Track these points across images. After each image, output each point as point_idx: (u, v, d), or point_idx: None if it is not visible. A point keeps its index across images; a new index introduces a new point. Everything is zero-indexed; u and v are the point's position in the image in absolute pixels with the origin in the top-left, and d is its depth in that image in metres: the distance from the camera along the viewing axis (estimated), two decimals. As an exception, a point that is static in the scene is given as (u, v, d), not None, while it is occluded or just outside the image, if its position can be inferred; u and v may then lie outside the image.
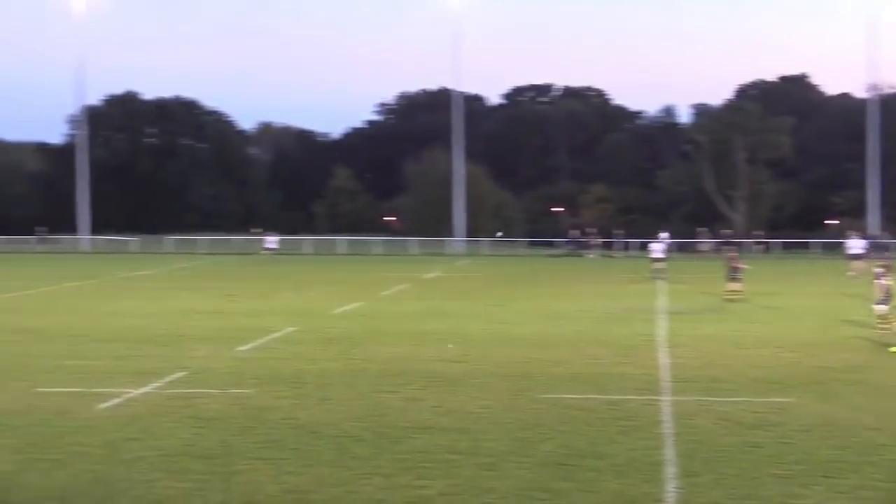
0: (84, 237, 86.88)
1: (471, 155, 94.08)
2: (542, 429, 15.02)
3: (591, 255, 70.46)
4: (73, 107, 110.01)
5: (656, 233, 63.09)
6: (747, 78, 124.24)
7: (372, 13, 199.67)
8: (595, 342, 24.55)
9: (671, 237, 65.11)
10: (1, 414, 16.02)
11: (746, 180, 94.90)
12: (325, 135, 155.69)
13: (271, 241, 68.08)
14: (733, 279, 35.63)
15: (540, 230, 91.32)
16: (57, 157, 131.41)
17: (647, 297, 37.24)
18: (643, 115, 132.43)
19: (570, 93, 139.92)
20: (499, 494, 11.77)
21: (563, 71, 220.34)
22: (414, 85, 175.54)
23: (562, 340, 24.85)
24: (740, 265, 36.23)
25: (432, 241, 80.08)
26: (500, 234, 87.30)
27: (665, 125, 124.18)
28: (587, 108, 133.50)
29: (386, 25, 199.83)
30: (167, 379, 19.17)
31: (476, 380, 19.19)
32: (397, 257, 71.32)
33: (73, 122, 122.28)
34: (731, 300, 34.35)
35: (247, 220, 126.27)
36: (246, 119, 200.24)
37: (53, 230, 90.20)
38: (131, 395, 17.59)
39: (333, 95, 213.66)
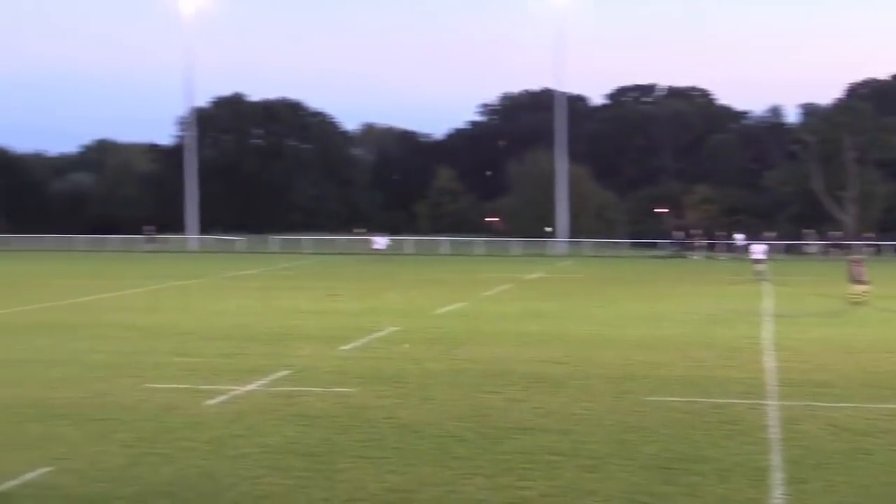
0: (192, 237, 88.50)
1: (574, 155, 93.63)
2: (645, 431, 14.87)
3: (696, 257, 69.59)
4: (182, 108, 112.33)
5: (760, 234, 62.15)
6: (858, 77, 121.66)
7: (475, 13, 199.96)
8: (699, 344, 24.23)
9: (777, 239, 64.06)
10: (112, 409, 16.39)
11: (856, 181, 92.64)
12: (427, 136, 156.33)
13: (380, 241, 68.57)
14: (858, 282, 34.83)
15: (643, 231, 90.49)
16: (166, 158, 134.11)
17: (752, 299, 36.67)
18: (749, 114, 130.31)
19: (675, 93, 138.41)
20: (601, 497, 11.68)
21: (667, 71, 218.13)
22: (517, 86, 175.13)
23: (665, 342, 24.58)
24: (864, 267, 35.40)
25: (534, 242, 79.88)
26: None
27: (771, 125, 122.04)
28: (692, 108, 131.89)
29: (489, 26, 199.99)
30: (272, 377, 19.41)
31: (578, 381, 19.07)
32: (499, 258, 71.30)
33: (182, 123, 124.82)
34: (857, 302, 33.63)
35: (350, 220, 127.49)
36: (349, 120, 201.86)
37: (162, 230, 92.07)
38: (237, 392, 17.85)
39: (436, 96, 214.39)
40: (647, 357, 22.17)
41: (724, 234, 75.24)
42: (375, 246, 68.05)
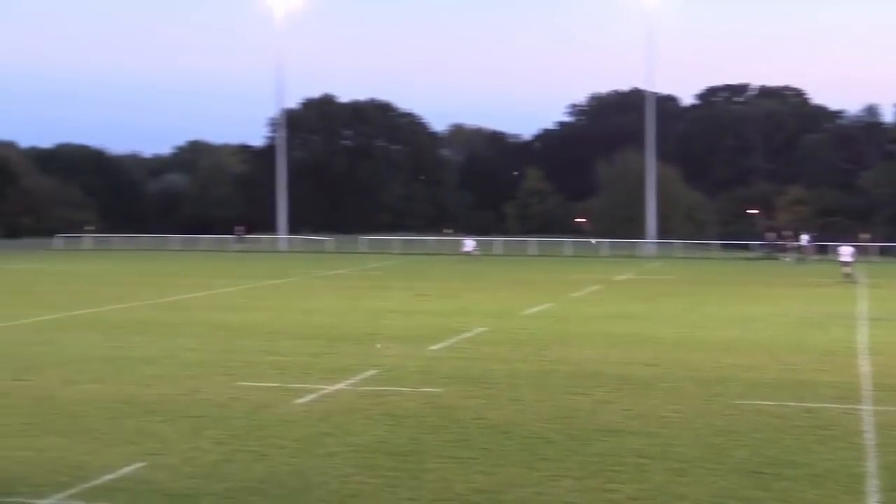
0: (282, 237, 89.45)
1: (663, 156, 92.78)
2: (735, 435, 14.67)
3: (788, 259, 68.47)
4: (272, 110, 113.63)
5: (854, 235, 60.98)
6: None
7: (564, 14, 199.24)
8: (791, 348, 23.85)
9: (872, 241, 62.77)
10: (204, 406, 16.66)
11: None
12: (516, 136, 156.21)
13: (469, 244, 68.66)
14: None
15: (734, 232, 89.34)
16: (257, 159, 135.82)
17: (846, 301, 35.99)
18: (844, 114, 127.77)
19: (767, 92, 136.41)
20: (690, 501, 11.55)
21: (759, 70, 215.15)
22: (606, 86, 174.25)
23: (756, 345, 24.24)
24: None
25: (623, 243, 79.33)
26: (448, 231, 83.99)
27: (867, 125, 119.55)
28: (785, 108, 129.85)
29: (578, 26, 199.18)
30: (360, 376, 19.55)
31: (667, 384, 18.90)
32: (588, 259, 70.96)
33: (273, 124, 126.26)
34: None
35: (438, 220, 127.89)
36: (438, 121, 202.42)
37: (253, 230, 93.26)
38: (326, 391, 18.01)
39: (525, 97, 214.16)
40: (738, 360, 21.89)
41: (791, 234, 73.70)
42: (465, 248, 68.11)
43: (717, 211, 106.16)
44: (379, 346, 23.86)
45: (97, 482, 12.11)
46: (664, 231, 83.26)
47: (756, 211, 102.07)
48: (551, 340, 25.08)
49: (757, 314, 31.67)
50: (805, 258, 68.01)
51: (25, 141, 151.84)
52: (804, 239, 68.01)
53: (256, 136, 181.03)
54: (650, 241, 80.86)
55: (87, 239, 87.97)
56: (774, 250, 71.59)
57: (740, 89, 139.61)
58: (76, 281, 46.52)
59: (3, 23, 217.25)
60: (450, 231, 76.93)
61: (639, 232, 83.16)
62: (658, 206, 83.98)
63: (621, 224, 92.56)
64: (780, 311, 32.74)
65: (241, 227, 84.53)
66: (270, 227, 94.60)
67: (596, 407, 16.70)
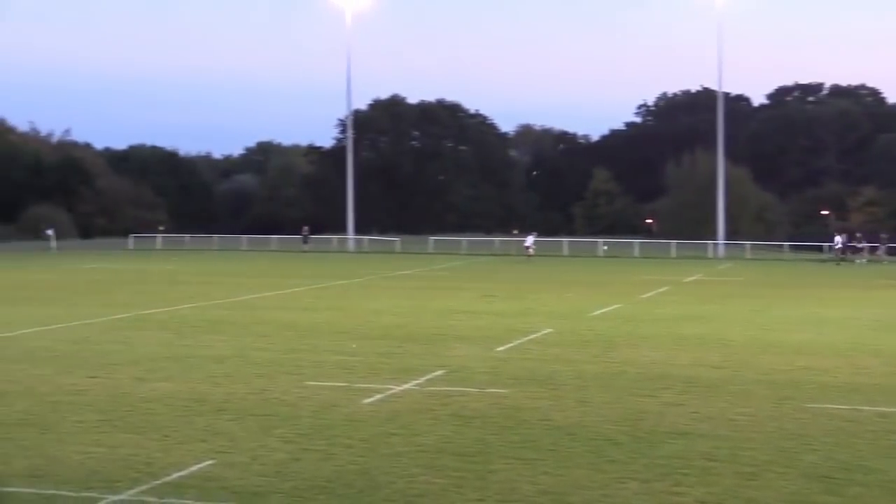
0: (350, 237, 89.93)
1: (733, 156, 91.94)
2: (806, 439, 14.48)
3: (860, 261, 67.45)
4: (342, 110, 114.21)
5: None
6: None
7: (633, 13, 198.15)
8: (864, 351, 23.48)
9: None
10: (273, 405, 16.80)
11: None
12: (584, 137, 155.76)
13: (529, 240, 68.59)
14: None
15: (805, 233, 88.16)
16: (325, 159, 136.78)
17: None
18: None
19: (840, 92, 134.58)
20: (760, 505, 11.43)
21: (832, 69, 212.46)
22: (675, 86, 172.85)
23: (828, 348, 23.90)
24: None
25: (692, 244, 78.72)
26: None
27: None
28: (858, 108, 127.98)
29: (647, 25, 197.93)
30: (427, 377, 19.58)
31: (736, 386, 18.70)
32: (656, 260, 70.49)
33: (342, 125, 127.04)
34: None
35: (506, 221, 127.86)
36: (506, 122, 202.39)
37: (321, 230, 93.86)
38: (393, 391, 18.07)
39: (593, 98, 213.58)
40: (809, 363, 21.59)
41: (861, 236, 72.53)
42: (526, 244, 68.00)
43: (788, 212, 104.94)
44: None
45: (168, 479, 12.28)
46: (734, 232, 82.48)
47: (828, 212, 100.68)
48: (619, 342, 24.95)
49: (829, 317, 31.23)
50: (879, 260, 67.01)
51: (100, 142, 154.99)
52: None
53: (325, 137, 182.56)
54: (720, 242, 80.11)
55: (159, 239, 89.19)
56: (847, 252, 70.51)
57: (813, 88, 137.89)
58: (148, 280, 47.19)
59: (80, 28, 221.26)
60: (517, 232, 76.89)
61: (708, 233, 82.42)
62: (728, 206, 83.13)
63: (690, 225, 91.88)
64: (854, 313, 32.26)
65: (307, 228, 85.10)
66: (338, 227, 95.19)
67: (664, 409, 16.57)
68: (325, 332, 26.85)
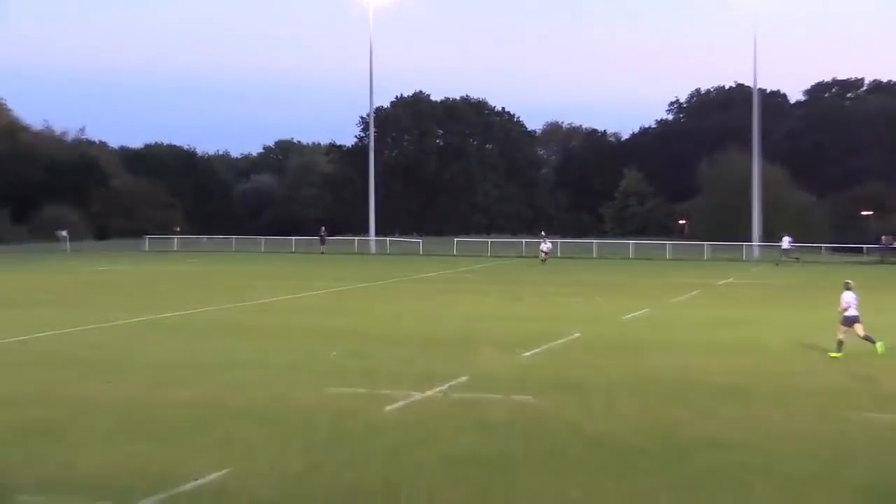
0: (371, 238, 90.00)
1: (769, 155, 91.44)
2: (849, 451, 14.31)
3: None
4: (364, 108, 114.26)
5: None
6: None
7: (665, 9, 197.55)
8: (907, 358, 23.28)
9: None
10: (292, 412, 16.77)
11: None
12: (614, 135, 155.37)
13: (546, 245, 68.26)
14: None
15: (845, 235, 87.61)
16: (346, 158, 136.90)
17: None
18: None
19: (881, 87, 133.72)
20: (797, 519, 11.34)
21: (872, 65, 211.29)
22: (708, 82, 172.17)
23: (871, 354, 23.69)
24: None
25: (726, 246, 78.45)
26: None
27: None
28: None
29: (680, 22, 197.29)
30: (451, 383, 19.53)
31: (773, 394, 18.56)
32: (689, 262, 70.26)
33: (364, 123, 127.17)
34: None
35: (532, 222, 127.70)
36: (533, 119, 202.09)
37: (342, 231, 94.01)
38: (416, 398, 18.03)
39: (623, 95, 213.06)
40: (851, 369, 21.43)
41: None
42: (542, 248, 67.49)
43: (828, 213, 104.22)
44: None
45: (184, 488, 12.28)
46: (770, 234, 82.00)
47: (870, 213, 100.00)
48: (650, 347, 24.84)
49: (870, 322, 30.92)
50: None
51: (115, 141, 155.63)
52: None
53: (347, 136, 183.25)
54: (755, 244, 79.74)
55: (176, 240, 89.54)
56: (890, 254, 70.07)
57: (852, 85, 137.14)
58: (164, 283, 47.35)
59: (96, 25, 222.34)
60: (544, 234, 76.72)
61: (743, 234, 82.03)
62: (763, 207, 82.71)
63: (724, 226, 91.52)
64: None
65: (324, 228, 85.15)
66: (360, 228, 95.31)
67: (696, 418, 16.46)
68: (346, 336, 26.82)
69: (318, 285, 44.89)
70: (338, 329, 28.48)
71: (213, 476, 12.78)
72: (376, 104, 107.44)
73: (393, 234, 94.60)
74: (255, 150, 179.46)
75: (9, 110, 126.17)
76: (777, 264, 66.87)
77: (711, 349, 24.64)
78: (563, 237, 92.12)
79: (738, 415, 16.68)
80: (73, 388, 18.92)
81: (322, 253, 79.18)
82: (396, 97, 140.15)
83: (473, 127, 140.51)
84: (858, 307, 24.16)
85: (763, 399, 18.07)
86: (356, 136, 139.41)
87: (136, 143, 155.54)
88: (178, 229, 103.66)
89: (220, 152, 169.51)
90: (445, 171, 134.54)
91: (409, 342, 25.64)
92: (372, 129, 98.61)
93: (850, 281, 25.01)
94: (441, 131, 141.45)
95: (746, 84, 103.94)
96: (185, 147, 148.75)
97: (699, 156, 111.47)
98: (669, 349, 24.55)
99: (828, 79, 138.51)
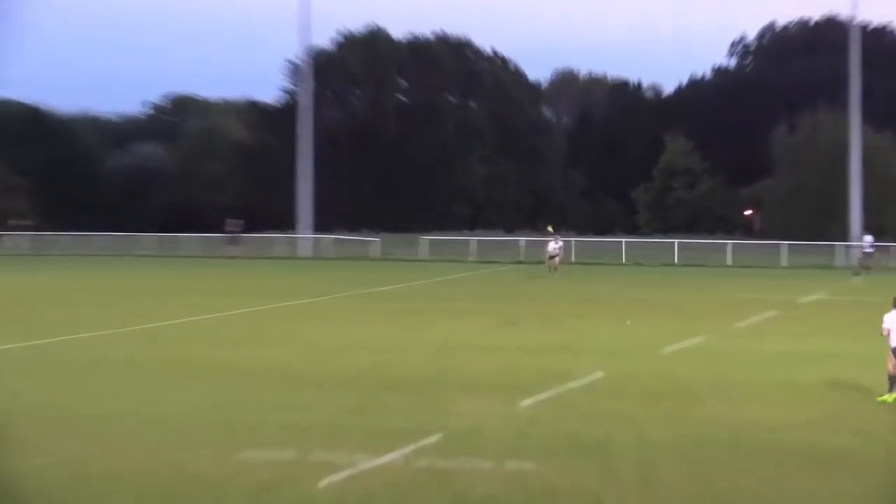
0: (305, 235, 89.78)
1: (874, 117, 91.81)
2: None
3: None
4: (293, 49, 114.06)
5: None
6: None
7: None
8: None
9: None
10: (190, 486, 16.72)
11: None
12: (652, 88, 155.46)
13: (555, 246, 68.36)
14: None
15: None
16: (269, 122, 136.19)
17: None
18: None
19: None
20: None
21: None
22: (787, 15, 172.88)
23: None
24: None
25: (812, 247, 78.74)
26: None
27: None
28: None
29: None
30: (417, 444, 19.53)
31: (872, 460, 18.67)
32: (759, 270, 70.52)
33: (294, 71, 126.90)
34: None
35: (535, 211, 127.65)
36: (537, 66, 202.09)
37: (258, 225, 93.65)
38: (366, 466, 18.03)
39: (665, 33, 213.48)
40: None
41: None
42: (549, 250, 67.47)
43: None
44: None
45: None
46: (876, 228, 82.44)
47: None
48: (702, 392, 24.96)
49: None
50: None
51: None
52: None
53: (269, 89, 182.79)
54: (854, 244, 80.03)
55: (23, 238, 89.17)
56: None
57: None
58: (6, 300, 47.18)
59: None
60: (552, 229, 76.36)
61: (837, 230, 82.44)
62: (866, 190, 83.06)
63: (809, 218, 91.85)
64: None
65: (237, 222, 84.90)
66: (288, 221, 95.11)
67: (764, 489, 16.56)
68: (268, 376, 26.85)
69: (230, 303, 44.86)
70: (258, 366, 28.50)
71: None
72: (312, 43, 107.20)
73: (335, 230, 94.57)
74: (135, 108, 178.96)
75: None
76: (855, 273, 67.16)
77: (792, 395, 24.79)
78: (580, 234, 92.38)
79: (827, 487, 16.78)
80: None
81: (233, 256, 79.12)
82: (342, 34, 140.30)
83: (451, 76, 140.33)
84: None
85: (858, 467, 18.16)
86: (282, 90, 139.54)
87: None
88: (26, 223, 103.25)
89: (85, 111, 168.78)
90: (411, 141, 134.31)
91: (357, 384, 25.68)
92: (309, 81, 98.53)
93: None
94: (405, 83, 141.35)
95: (841, 17, 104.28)
96: (29, 102, 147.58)
97: (774, 119, 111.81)
98: (731, 395, 24.68)
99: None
